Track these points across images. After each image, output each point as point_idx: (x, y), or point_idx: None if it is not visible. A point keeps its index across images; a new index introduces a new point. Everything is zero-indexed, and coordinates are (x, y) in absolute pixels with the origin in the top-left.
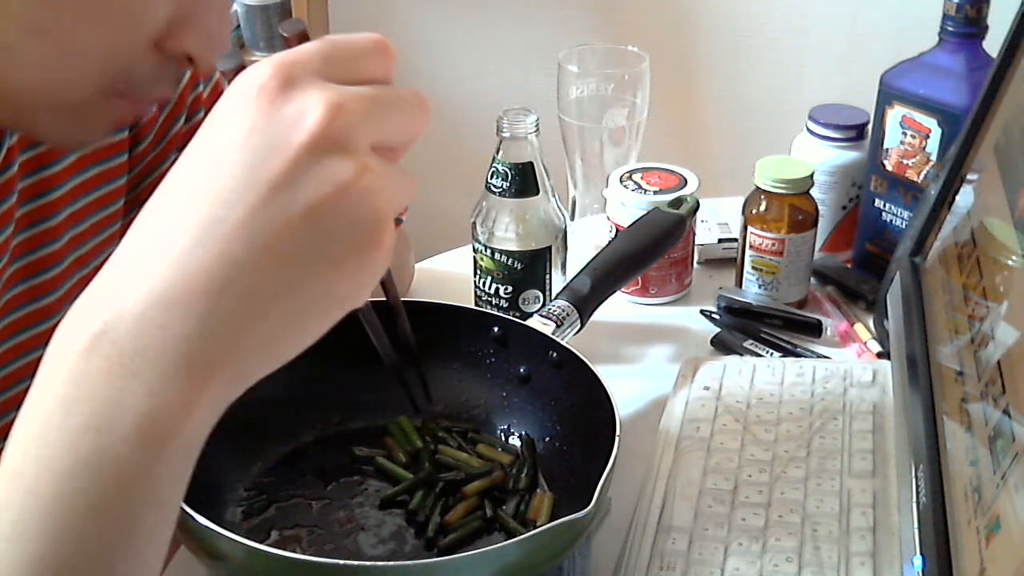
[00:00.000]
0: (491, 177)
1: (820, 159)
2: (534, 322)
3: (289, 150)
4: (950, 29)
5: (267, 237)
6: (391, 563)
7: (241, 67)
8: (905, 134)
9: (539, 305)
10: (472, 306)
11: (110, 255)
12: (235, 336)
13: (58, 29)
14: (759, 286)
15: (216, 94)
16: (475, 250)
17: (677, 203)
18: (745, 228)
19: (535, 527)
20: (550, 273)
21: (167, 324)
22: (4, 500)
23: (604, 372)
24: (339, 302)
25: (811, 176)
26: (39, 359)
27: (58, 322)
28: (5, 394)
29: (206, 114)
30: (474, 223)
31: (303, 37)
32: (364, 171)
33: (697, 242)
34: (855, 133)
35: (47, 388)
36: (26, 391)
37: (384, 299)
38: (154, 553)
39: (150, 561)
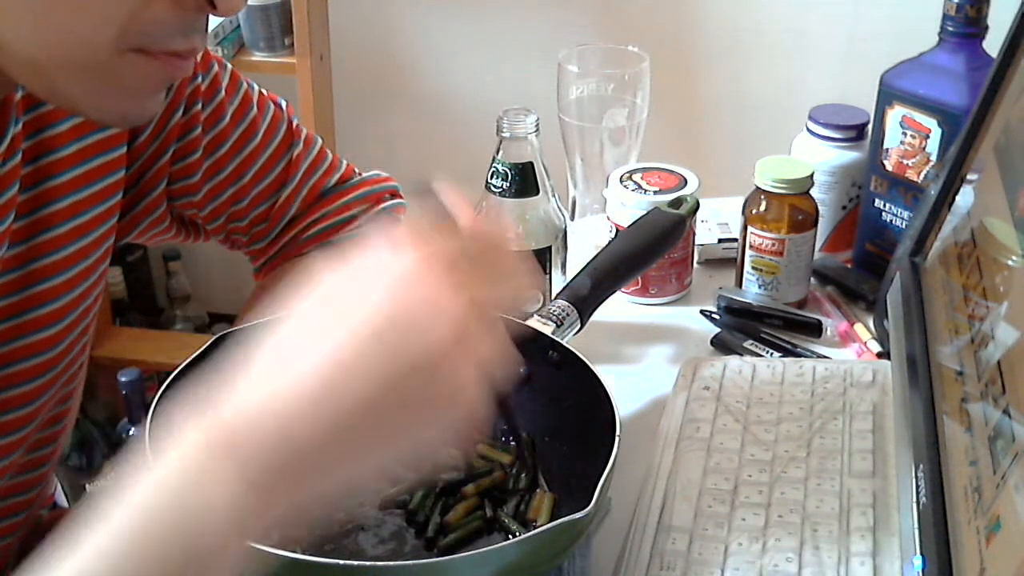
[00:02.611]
0: (491, 177)
1: (820, 159)
2: (534, 322)
3: (428, 352)
4: (950, 29)
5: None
6: (391, 563)
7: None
8: (905, 134)
9: (539, 305)
10: None
11: (108, 247)
12: (322, 469)
13: None
14: (759, 286)
15: (214, 87)
16: None
17: (677, 203)
18: (745, 228)
19: (535, 527)
20: (550, 273)
21: (282, 435)
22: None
23: (604, 372)
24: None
25: (811, 176)
26: (36, 366)
27: (55, 313)
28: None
29: (204, 106)
30: None
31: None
32: (475, 385)
33: (697, 242)
34: (855, 133)
35: (153, 478)
36: (19, 414)
37: None
38: None
39: None
